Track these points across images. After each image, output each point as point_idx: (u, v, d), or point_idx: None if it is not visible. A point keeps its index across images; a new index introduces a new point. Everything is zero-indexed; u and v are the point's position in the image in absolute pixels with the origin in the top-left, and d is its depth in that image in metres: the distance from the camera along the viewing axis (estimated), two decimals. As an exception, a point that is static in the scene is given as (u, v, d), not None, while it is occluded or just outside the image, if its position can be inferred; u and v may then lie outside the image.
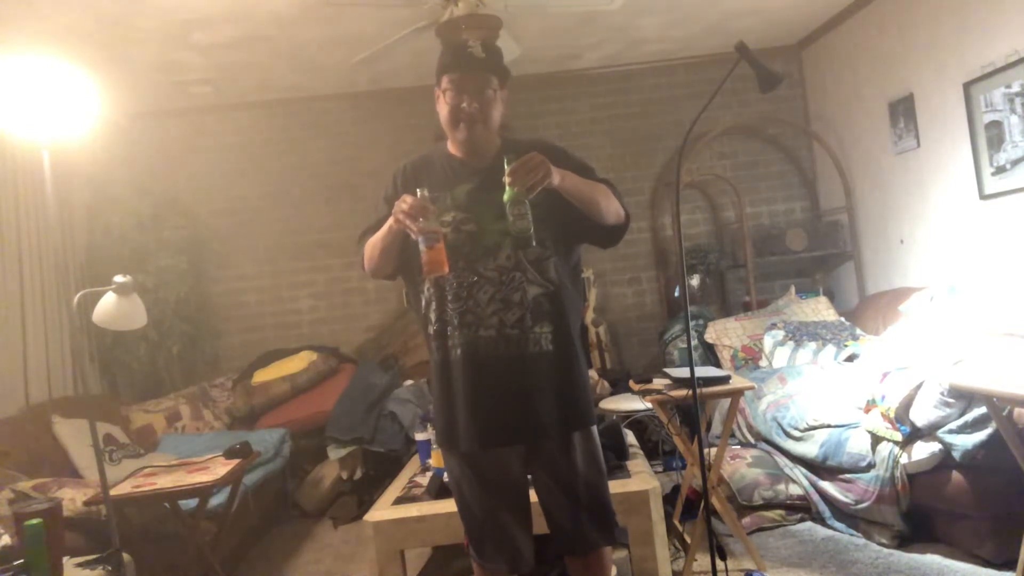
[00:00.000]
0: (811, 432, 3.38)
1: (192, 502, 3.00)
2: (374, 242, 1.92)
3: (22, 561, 2.13)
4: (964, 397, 2.71)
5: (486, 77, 1.87)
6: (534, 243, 1.77)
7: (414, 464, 3.19)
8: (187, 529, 3.00)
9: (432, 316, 1.90)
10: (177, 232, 4.92)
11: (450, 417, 1.90)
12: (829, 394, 3.51)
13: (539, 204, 1.81)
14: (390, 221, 1.82)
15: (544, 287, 1.87)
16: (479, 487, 1.93)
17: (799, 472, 3.45)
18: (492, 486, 1.93)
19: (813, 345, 4.31)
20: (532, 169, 1.71)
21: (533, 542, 2.00)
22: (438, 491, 2.63)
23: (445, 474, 2.70)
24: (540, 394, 1.85)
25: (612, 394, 4.37)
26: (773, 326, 4.58)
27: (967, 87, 3.75)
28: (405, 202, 1.75)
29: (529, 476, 1.99)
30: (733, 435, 3.95)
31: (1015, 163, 3.52)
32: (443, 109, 1.90)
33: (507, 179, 1.72)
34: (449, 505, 2.52)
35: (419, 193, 1.77)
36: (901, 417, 2.90)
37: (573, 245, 1.98)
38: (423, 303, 1.93)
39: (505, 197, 1.73)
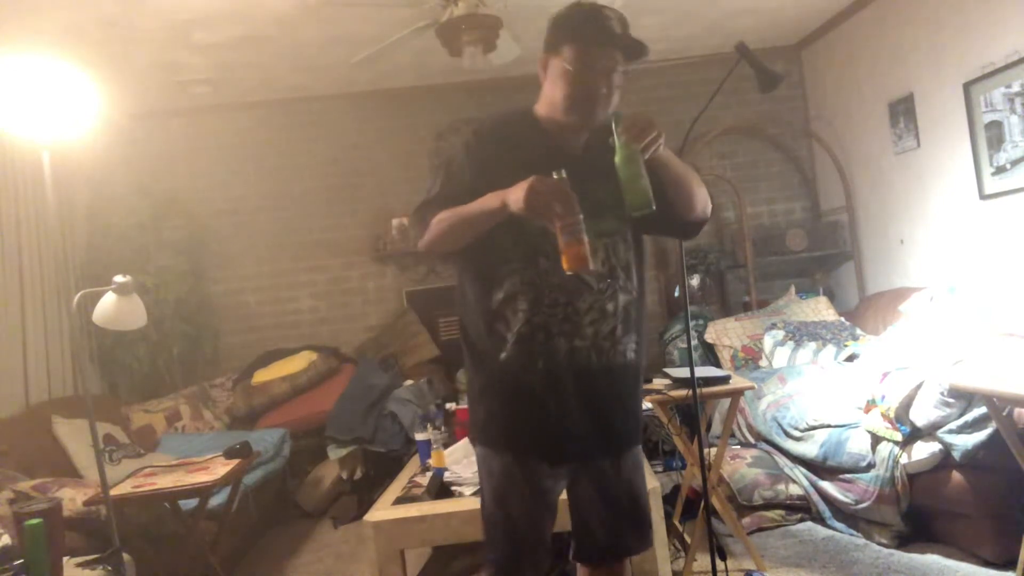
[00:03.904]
0: (811, 432, 3.38)
1: (192, 502, 3.00)
2: (458, 217, 1.62)
3: (22, 561, 2.13)
4: (964, 397, 2.71)
5: (618, 56, 1.65)
6: (653, 207, 1.55)
7: (414, 464, 3.19)
8: (187, 529, 3.00)
9: (515, 316, 1.66)
10: (177, 232, 4.93)
11: (535, 428, 1.70)
12: (829, 394, 3.51)
13: (617, 204, 1.61)
14: (495, 201, 1.55)
15: (630, 295, 1.72)
16: (531, 501, 1.72)
17: (799, 472, 3.45)
18: (543, 500, 1.74)
19: (813, 345, 4.31)
20: (646, 126, 1.54)
21: None
22: (438, 491, 2.63)
23: (447, 474, 2.71)
24: (623, 406, 1.75)
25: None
26: (773, 326, 4.58)
27: (967, 87, 3.75)
28: (543, 185, 1.48)
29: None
30: (733, 435, 3.94)
31: (1015, 163, 3.52)
32: (562, 86, 1.67)
33: (620, 137, 1.53)
34: (449, 505, 2.53)
35: (556, 176, 1.51)
36: (901, 417, 2.90)
37: (646, 242, 1.83)
38: (499, 296, 1.67)
39: (618, 158, 1.54)
